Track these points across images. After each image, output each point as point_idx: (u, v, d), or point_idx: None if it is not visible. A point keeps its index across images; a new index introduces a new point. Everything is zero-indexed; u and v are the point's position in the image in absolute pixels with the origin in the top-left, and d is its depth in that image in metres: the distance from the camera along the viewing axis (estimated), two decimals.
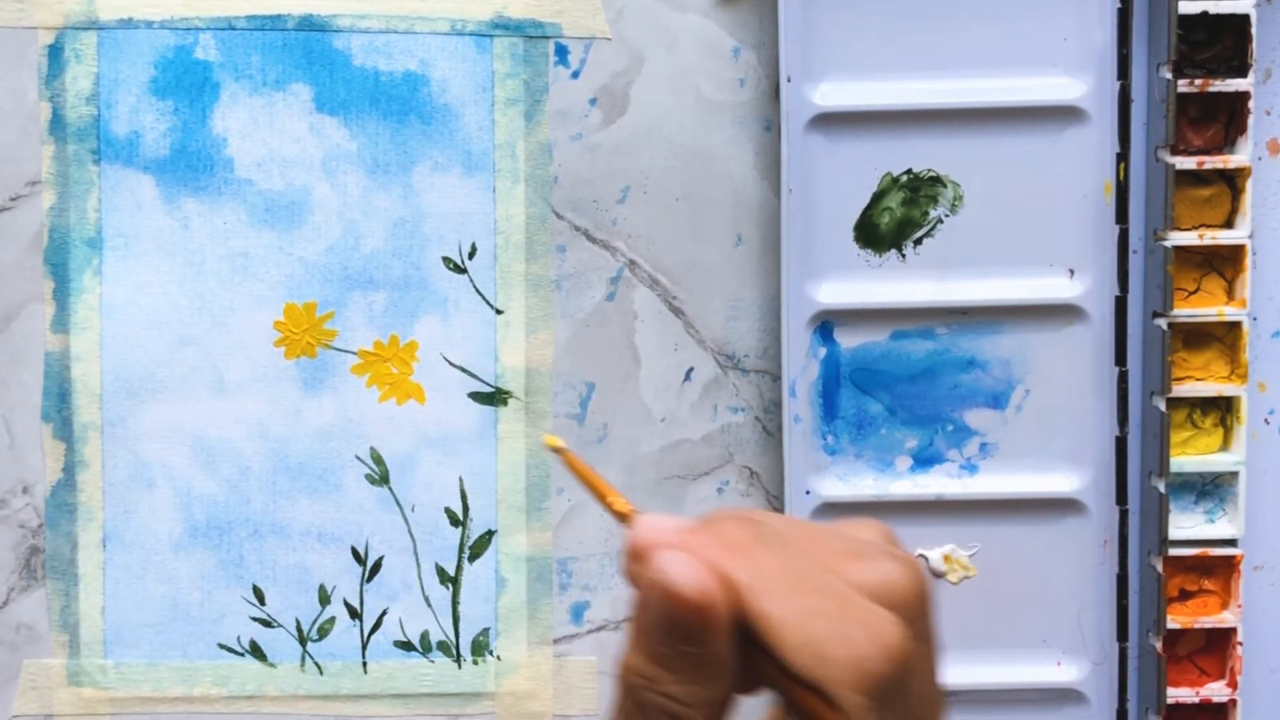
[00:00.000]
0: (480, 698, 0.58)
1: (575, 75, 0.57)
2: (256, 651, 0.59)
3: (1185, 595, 0.58)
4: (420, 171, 0.57)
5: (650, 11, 0.57)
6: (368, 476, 0.58)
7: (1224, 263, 0.57)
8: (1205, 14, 0.55)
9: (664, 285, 0.58)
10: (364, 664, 0.59)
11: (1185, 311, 0.56)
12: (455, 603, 0.58)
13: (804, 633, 0.33)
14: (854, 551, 0.35)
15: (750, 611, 0.34)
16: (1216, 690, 0.58)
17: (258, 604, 0.58)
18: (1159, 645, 0.57)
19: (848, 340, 0.57)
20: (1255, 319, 0.58)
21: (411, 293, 0.58)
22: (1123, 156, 0.56)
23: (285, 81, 0.57)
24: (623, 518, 0.37)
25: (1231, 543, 0.57)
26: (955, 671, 0.58)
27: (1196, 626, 0.57)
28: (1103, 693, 0.58)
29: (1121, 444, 0.57)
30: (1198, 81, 0.55)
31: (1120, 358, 0.57)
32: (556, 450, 0.40)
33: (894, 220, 0.57)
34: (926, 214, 0.57)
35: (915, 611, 0.35)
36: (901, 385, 0.57)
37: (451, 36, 0.57)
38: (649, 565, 0.34)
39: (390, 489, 0.58)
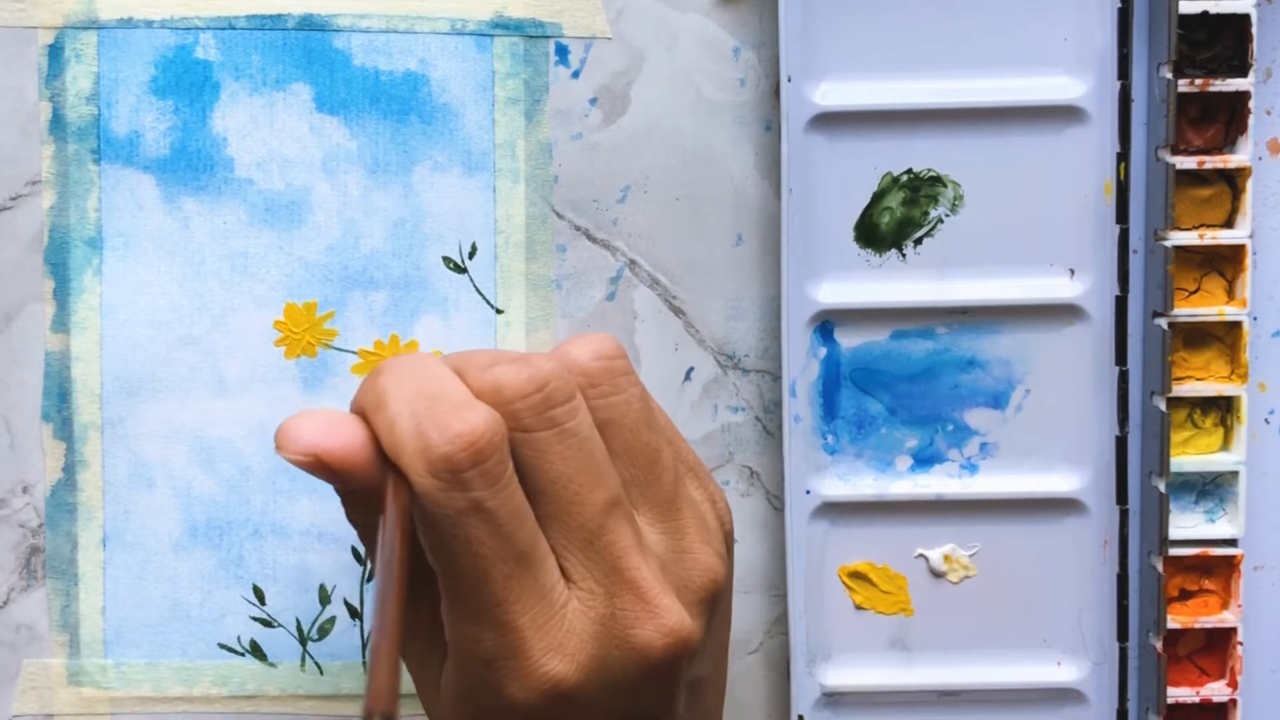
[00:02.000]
0: None
1: (575, 75, 0.57)
2: (257, 651, 0.59)
3: (1185, 595, 0.58)
4: (420, 171, 0.57)
5: (650, 11, 0.57)
6: None
7: (1224, 262, 0.57)
8: (1205, 14, 0.55)
9: (664, 285, 0.58)
10: (364, 664, 0.59)
11: (1185, 311, 0.56)
12: None
13: (407, 427, 0.41)
14: (486, 363, 0.43)
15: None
16: (1217, 690, 0.58)
17: (258, 604, 0.58)
18: (1159, 645, 0.57)
19: (848, 340, 0.57)
20: (1256, 319, 0.58)
21: (412, 292, 0.58)
22: (1123, 156, 0.56)
23: (285, 81, 0.57)
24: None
25: (1232, 543, 0.57)
26: (955, 671, 0.58)
27: (1197, 626, 0.57)
28: (1103, 692, 0.58)
29: (1122, 444, 0.57)
30: (1198, 81, 0.55)
31: (1120, 357, 0.57)
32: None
33: (894, 220, 0.57)
34: (927, 214, 0.57)
35: (534, 404, 0.41)
36: (902, 385, 0.58)
37: (451, 36, 0.57)
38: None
39: None
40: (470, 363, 0.44)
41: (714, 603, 0.46)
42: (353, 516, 0.47)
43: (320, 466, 0.43)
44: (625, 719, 0.44)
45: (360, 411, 0.44)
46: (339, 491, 0.46)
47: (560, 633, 0.42)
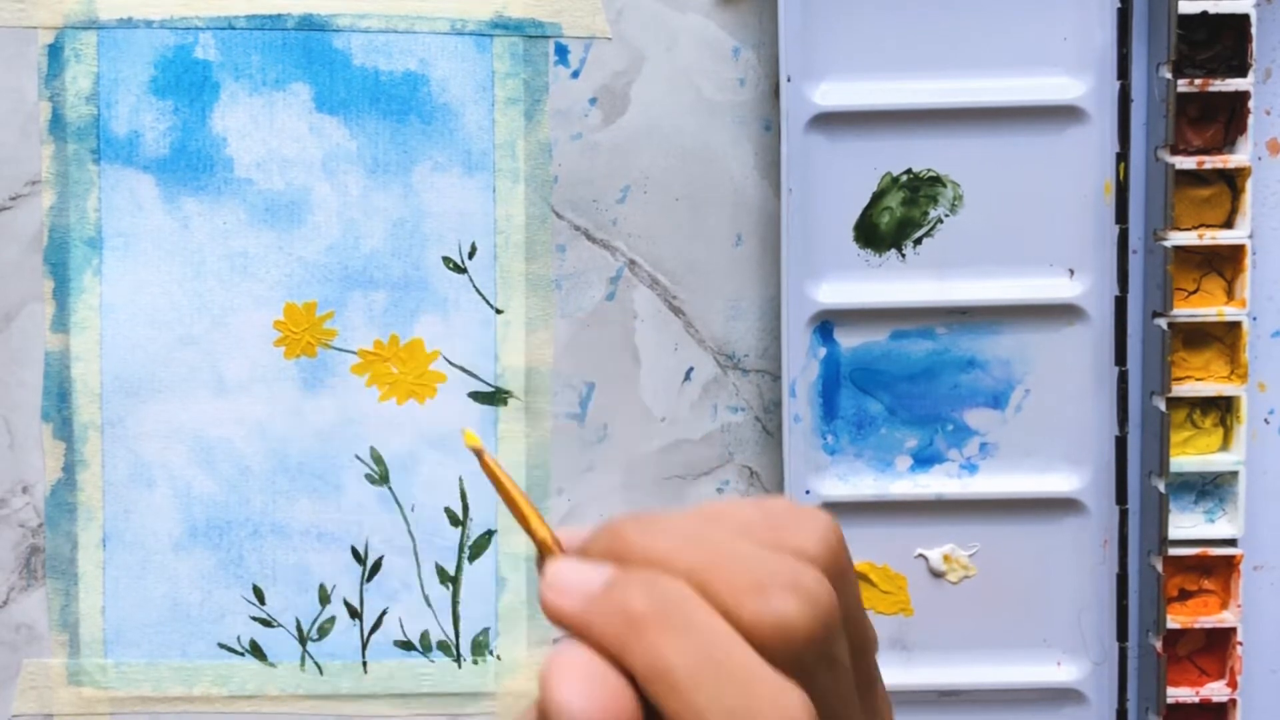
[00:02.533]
0: (480, 697, 0.58)
1: (575, 75, 0.57)
2: (256, 651, 0.59)
3: (1185, 595, 0.58)
4: (420, 171, 0.57)
5: (650, 11, 0.57)
6: (368, 476, 0.58)
7: (1224, 263, 0.57)
8: (1205, 14, 0.55)
9: (664, 285, 0.58)
10: (364, 664, 0.59)
11: (1185, 311, 0.56)
12: (455, 602, 0.58)
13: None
14: (753, 586, 0.33)
15: (658, 704, 0.32)
16: (1216, 690, 0.58)
17: (258, 604, 0.58)
18: (1159, 645, 0.57)
19: (848, 340, 0.57)
20: (1255, 319, 0.58)
21: (411, 292, 0.58)
22: (1123, 156, 0.56)
23: (285, 81, 0.57)
24: (545, 548, 0.35)
25: (1231, 542, 0.57)
26: (955, 671, 0.58)
27: (1196, 626, 0.57)
28: (1103, 692, 0.58)
29: (1121, 444, 0.57)
30: (1197, 81, 0.55)
31: (1120, 357, 0.57)
32: (475, 451, 0.36)
33: (894, 220, 0.57)
34: (926, 214, 0.57)
35: (818, 652, 0.34)
36: (901, 385, 0.58)
37: (451, 36, 0.57)
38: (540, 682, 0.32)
39: (390, 489, 0.58)
40: (723, 578, 0.36)
41: None
42: None
43: None
44: None
45: (624, 666, 0.34)
46: None
47: None
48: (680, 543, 0.34)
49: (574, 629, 0.33)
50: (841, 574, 0.36)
